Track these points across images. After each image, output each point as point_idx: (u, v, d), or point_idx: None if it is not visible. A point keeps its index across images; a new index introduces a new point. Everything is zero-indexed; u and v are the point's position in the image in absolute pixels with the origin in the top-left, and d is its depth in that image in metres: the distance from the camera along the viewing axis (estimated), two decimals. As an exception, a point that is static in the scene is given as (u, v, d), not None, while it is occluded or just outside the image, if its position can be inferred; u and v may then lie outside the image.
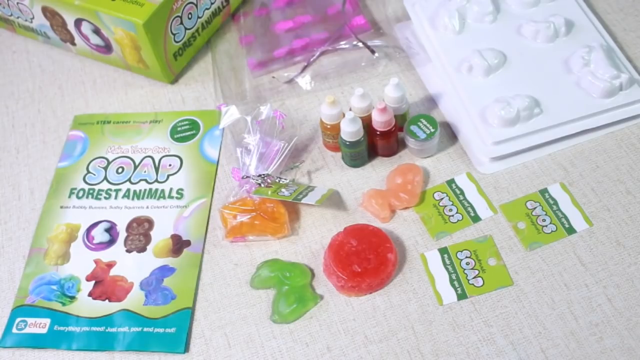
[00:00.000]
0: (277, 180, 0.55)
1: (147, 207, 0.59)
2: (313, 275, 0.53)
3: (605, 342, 0.48)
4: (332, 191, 0.56)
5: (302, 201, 0.53)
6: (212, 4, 0.68)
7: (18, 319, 0.53)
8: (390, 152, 0.60)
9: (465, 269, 0.52)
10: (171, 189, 0.60)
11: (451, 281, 0.51)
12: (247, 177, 0.55)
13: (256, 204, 0.55)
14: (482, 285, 0.51)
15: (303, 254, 0.55)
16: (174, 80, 0.68)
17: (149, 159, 0.62)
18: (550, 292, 0.50)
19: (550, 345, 0.48)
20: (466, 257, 0.53)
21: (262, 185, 0.55)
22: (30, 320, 0.53)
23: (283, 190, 0.54)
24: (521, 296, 0.50)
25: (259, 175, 0.55)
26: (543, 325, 0.49)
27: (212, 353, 0.50)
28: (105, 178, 0.61)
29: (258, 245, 0.55)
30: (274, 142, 0.57)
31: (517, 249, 0.53)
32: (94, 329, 0.52)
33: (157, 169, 0.61)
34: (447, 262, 0.52)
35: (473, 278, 0.51)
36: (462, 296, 0.51)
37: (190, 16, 0.66)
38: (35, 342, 0.52)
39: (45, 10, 0.67)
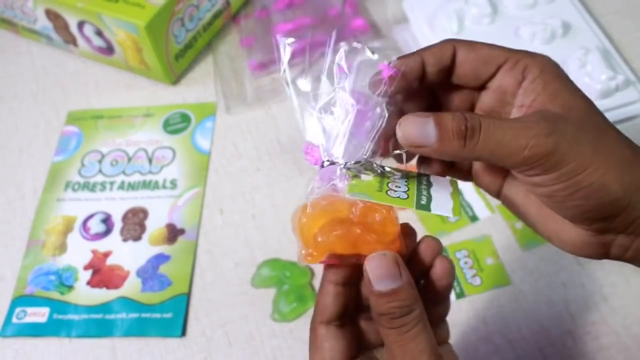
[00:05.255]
0: (376, 169, 0.32)
1: (142, 198, 0.60)
2: (313, 274, 0.54)
3: (602, 341, 0.48)
4: (455, 183, 0.33)
5: (432, 210, 0.31)
6: (213, 6, 0.69)
7: (18, 309, 0.54)
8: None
9: (463, 268, 0.52)
10: (165, 180, 0.61)
11: (449, 280, 0.52)
12: (331, 163, 0.32)
13: (355, 210, 0.32)
14: (480, 284, 0.52)
15: (303, 253, 0.55)
16: (176, 82, 0.69)
17: (143, 151, 0.63)
18: (548, 291, 0.51)
19: (548, 344, 0.48)
20: (464, 256, 0.53)
21: (359, 176, 0.32)
22: (29, 309, 0.54)
23: (391, 186, 0.32)
24: (519, 295, 0.51)
25: (357, 163, 0.32)
26: (540, 324, 0.49)
27: (212, 351, 0.51)
28: (100, 171, 0.63)
29: (258, 244, 0.56)
30: (370, 105, 0.32)
31: (514, 248, 0.53)
32: (92, 316, 0.53)
33: (150, 161, 0.63)
34: (446, 261, 0.53)
35: (471, 277, 0.52)
36: (460, 295, 0.51)
37: (191, 18, 0.67)
38: (35, 330, 0.53)
39: (48, 13, 0.67)
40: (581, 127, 0.28)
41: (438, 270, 0.32)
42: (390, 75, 0.31)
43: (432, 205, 0.32)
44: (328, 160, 0.32)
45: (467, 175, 0.35)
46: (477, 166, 0.35)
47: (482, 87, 0.32)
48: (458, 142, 0.28)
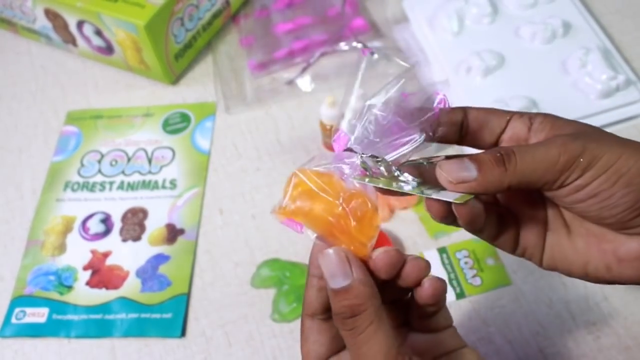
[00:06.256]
0: (393, 171, 0.34)
1: (142, 198, 0.60)
2: (313, 274, 0.54)
3: (603, 341, 0.48)
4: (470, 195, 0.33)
5: (433, 196, 0.31)
6: (212, 5, 0.69)
7: (17, 309, 0.54)
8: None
9: (463, 269, 0.52)
10: (164, 180, 0.61)
11: (450, 280, 0.52)
12: (351, 150, 0.34)
13: (345, 194, 0.32)
14: (480, 285, 0.51)
15: (303, 254, 0.55)
16: (175, 81, 0.69)
17: (142, 151, 0.63)
18: (548, 291, 0.51)
19: (548, 345, 0.48)
20: (465, 256, 0.53)
21: (368, 173, 0.34)
22: (29, 310, 0.54)
23: (401, 184, 0.33)
24: (519, 295, 0.51)
25: (372, 157, 0.33)
26: (541, 324, 0.49)
27: (212, 352, 0.51)
28: (100, 171, 0.62)
29: (258, 244, 0.56)
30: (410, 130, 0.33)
31: (515, 248, 0.53)
32: (92, 316, 0.53)
33: (150, 161, 0.63)
34: (446, 261, 0.53)
35: (472, 277, 0.52)
36: (460, 295, 0.51)
37: (191, 18, 0.66)
38: (35, 331, 0.53)
39: (47, 12, 0.67)
40: (596, 135, 0.31)
41: (426, 290, 0.31)
42: (440, 107, 0.33)
43: (439, 194, 0.31)
44: (350, 149, 0.33)
45: (515, 244, 0.35)
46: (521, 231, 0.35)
47: (496, 144, 0.34)
48: (499, 169, 0.29)
